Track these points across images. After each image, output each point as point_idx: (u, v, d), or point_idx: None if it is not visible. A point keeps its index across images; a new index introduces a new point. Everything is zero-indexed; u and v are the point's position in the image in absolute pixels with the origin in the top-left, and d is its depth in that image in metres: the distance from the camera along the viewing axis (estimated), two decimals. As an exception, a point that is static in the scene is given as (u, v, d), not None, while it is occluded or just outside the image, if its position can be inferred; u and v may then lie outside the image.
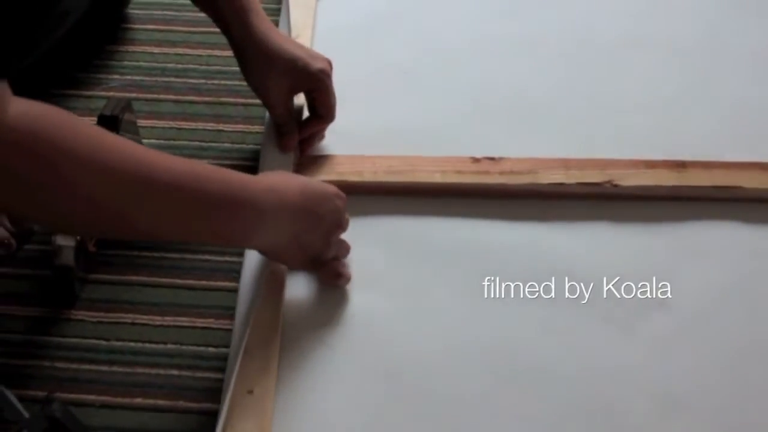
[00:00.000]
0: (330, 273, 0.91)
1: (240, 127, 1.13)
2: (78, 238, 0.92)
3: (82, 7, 0.98)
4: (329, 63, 1.02)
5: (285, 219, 0.84)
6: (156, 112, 1.15)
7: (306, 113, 1.04)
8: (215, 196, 0.78)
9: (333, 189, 0.90)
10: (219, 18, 1.01)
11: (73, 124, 0.70)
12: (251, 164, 1.06)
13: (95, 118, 1.04)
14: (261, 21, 1.00)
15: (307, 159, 1.03)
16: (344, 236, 0.93)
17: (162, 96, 1.18)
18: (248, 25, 0.99)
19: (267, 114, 1.04)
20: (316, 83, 0.99)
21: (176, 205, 0.76)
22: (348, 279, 0.92)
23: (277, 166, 0.99)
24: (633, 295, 0.94)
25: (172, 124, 1.14)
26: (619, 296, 0.93)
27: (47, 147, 0.68)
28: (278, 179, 0.87)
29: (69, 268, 0.92)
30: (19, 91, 0.68)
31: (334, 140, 1.05)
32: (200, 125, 1.14)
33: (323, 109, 1.01)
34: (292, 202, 0.85)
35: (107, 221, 0.74)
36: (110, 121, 0.96)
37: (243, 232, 0.81)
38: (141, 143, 0.99)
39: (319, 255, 0.90)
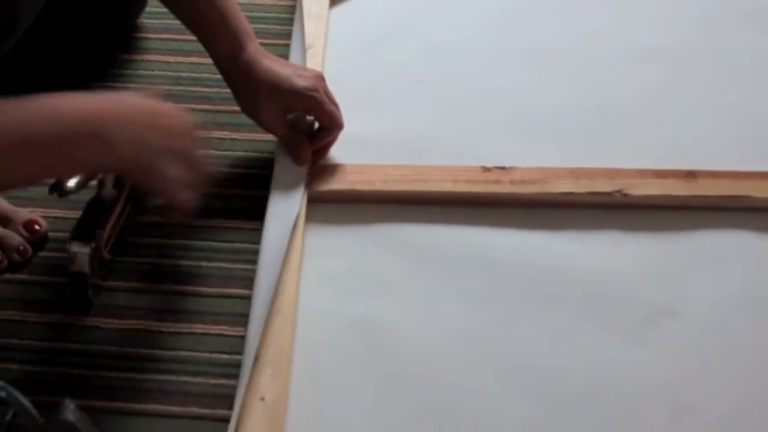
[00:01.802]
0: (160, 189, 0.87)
1: (253, 135, 1.13)
2: (93, 245, 0.93)
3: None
4: (319, 76, 1.02)
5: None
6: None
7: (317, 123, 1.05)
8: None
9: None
10: (207, 45, 1.02)
11: None
12: (265, 173, 1.06)
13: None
14: (245, 45, 1.00)
15: (318, 168, 1.04)
16: (357, 240, 0.92)
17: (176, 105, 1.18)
18: (233, 53, 1.00)
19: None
20: (307, 102, 0.99)
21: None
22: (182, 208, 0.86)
23: (291, 176, 1.00)
24: (642, 303, 0.94)
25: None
26: (628, 305, 0.94)
27: None
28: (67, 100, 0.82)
29: (84, 275, 0.93)
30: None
31: (345, 149, 1.05)
32: (214, 134, 1.14)
33: (325, 122, 1.02)
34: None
35: None
36: None
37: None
38: None
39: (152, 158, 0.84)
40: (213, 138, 1.14)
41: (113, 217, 0.97)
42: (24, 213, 1.01)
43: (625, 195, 1.01)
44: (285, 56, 1.18)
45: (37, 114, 0.78)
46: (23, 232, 1.00)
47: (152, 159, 0.83)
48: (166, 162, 0.84)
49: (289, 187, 1.01)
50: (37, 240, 1.01)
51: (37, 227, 1.01)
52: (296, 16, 1.26)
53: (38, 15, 0.93)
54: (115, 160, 0.82)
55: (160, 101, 0.87)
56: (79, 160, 0.81)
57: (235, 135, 1.14)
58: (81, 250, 0.93)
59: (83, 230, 0.94)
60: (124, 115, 0.83)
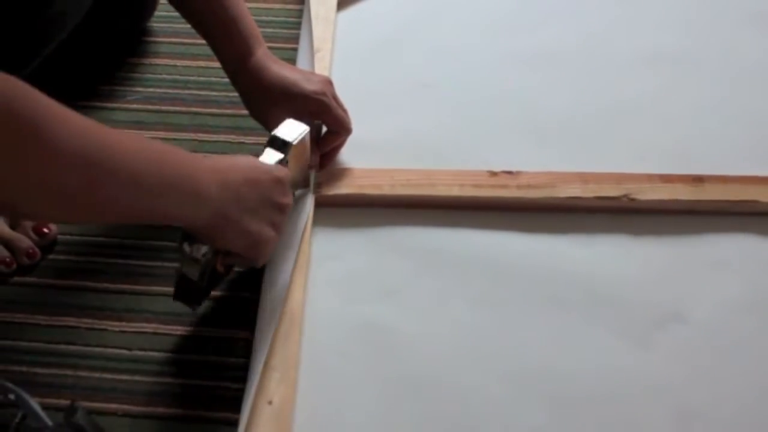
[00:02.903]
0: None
1: (261, 139, 1.13)
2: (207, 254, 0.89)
3: (82, 8, 0.98)
4: (327, 81, 1.03)
5: (224, 199, 0.82)
6: (177, 125, 1.16)
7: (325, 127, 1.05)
8: (169, 178, 0.76)
9: (276, 173, 0.88)
10: (216, 49, 1.03)
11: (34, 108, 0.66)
12: (272, 176, 1.07)
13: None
14: (254, 49, 1.01)
15: (326, 172, 1.04)
16: (365, 244, 0.92)
17: (183, 109, 1.19)
18: (243, 57, 1.00)
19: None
20: (315, 105, 1.00)
21: (128, 188, 0.73)
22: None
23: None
24: (649, 307, 0.94)
25: (193, 136, 1.15)
26: (635, 308, 0.94)
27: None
28: (223, 161, 0.86)
29: (190, 280, 0.90)
30: None
31: (352, 153, 1.06)
32: (221, 137, 1.15)
33: (333, 126, 1.02)
34: (234, 184, 0.83)
35: (63, 206, 0.70)
36: None
37: (181, 211, 0.79)
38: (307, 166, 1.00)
39: (257, 236, 0.87)
40: (220, 142, 1.14)
41: None
42: (33, 216, 1.02)
43: (632, 199, 1.01)
44: (293, 60, 1.18)
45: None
46: (33, 235, 1.01)
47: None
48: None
49: (297, 191, 1.01)
50: (47, 243, 1.01)
51: (46, 231, 1.01)
52: (304, 20, 1.26)
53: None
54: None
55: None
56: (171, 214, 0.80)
57: (242, 139, 1.15)
58: (196, 256, 0.88)
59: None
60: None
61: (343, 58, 1.20)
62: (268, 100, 1.00)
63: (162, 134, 1.14)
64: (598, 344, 0.91)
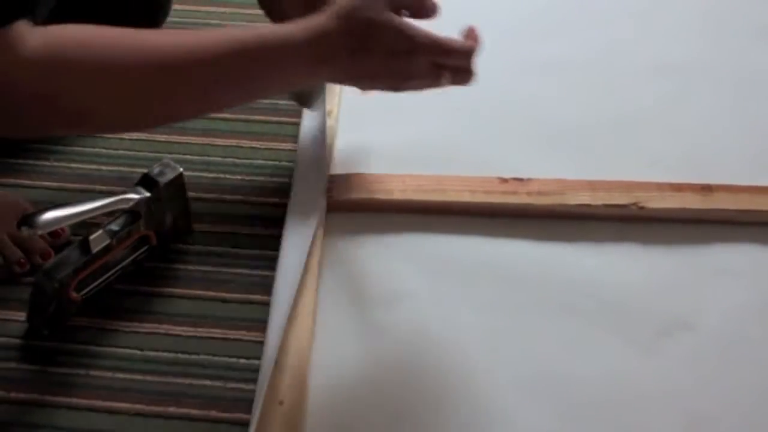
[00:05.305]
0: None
1: (273, 144, 1.15)
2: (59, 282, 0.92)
3: None
4: None
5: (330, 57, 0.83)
6: (190, 129, 1.16)
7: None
8: (261, 63, 0.81)
9: (381, 18, 0.84)
10: None
11: (87, 37, 0.78)
12: (285, 181, 1.09)
13: (129, 135, 1.07)
14: None
15: (338, 177, 1.05)
16: (376, 249, 0.93)
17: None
18: None
19: (300, 134, 1.05)
20: None
21: (219, 79, 0.80)
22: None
23: (310, 184, 1.01)
24: (657, 315, 0.95)
25: (206, 140, 1.16)
26: (643, 316, 0.94)
27: (63, 63, 0.75)
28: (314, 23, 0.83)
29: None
30: None
31: (364, 158, 1.07)
32: (233, 142, 1.16)
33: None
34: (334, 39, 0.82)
35: (152, 112, 0.82)
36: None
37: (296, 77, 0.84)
38: (187, 207, 1.02)
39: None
40: (232, 146, 1.15)
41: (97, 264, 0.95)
42: (48, 217, 1.03)
43: (642, 208, 1.02)
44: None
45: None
46: (46, 236, 1.01)
47: None
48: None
49: (309, 195, 1.02)
50: (60, 245, 1.02)
51: (60, 232, 1.02)
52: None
53: (61, 17, 0.95)
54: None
55: None
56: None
57: (255, 144, 1.15)
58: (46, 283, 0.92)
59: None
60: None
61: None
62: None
63: (174, 137, 1.15)
64: (607, 351, 0.92)
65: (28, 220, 0.88)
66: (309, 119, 1.14)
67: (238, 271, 1.01)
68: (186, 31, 0.81)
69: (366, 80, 0.86)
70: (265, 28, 0.84)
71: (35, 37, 0.75)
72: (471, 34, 0.85)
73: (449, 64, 0.85)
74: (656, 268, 0.99)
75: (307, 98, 0.98)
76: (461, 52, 0.84)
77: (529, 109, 1.17)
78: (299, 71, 0.83)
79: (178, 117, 0.93)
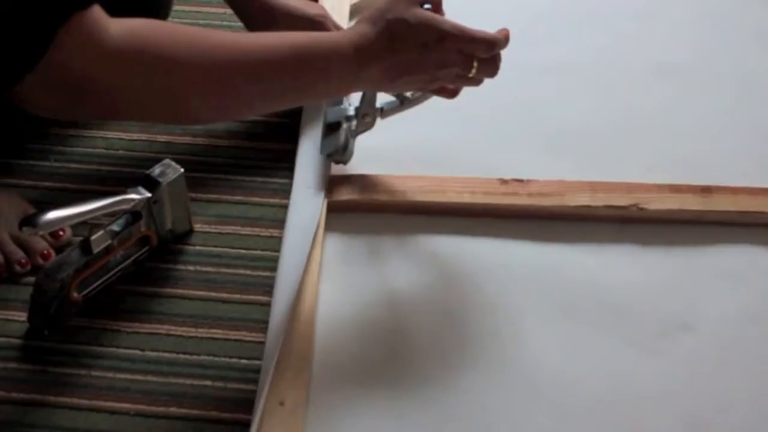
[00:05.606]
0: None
1: (273, 145, 1.15)
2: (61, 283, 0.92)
3: None
4: (322, 8, 1.15)
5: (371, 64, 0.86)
6: (190, 129, 1.17)
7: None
8: (315, 65, 0.85)
9: (417, 19, 0.86)
10: None
11: (173, 33, 0.82)
12: (285, 180, 1.09)
13: (129, 136, 1.07)
14: None
15: (339, 178, 1.05)
16: (376, 249, 0.93)
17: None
18: None
19: (300, 135, 1.05)
20: (317, 27, 1.09)
21: (282, 79, 0.85)
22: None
23: (311, 185, 1.01)
24: (657, 316, 0.95)
25: (207, 141, 1.16)
26: (643, 317, 0.95)
27: (156, 58, 0.79)
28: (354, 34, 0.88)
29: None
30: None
31: (365, 160, 1.07)
32: (234, 143, 1.16)
33: None
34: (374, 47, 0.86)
35: (229, 108, 0.86)
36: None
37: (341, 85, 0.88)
38: (188, 207, 1.03)
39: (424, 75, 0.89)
40: (232, 147, 1.15)
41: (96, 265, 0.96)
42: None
43: (642, 209, 1.02)
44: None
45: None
46: (47, 237, 1.01)
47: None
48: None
49: (309, 196, 1.02)
50: (61, 245, 1.02)
51: (61, 233, 1.02)
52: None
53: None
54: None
55: None
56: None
57: (254, 144, 1.16)
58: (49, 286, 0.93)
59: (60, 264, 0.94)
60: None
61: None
62: (274, 26, 1.05)
63: (176, 138, 1.15)
64: (606, 352, 0.92)
65: (29, 220, 0.88)
66: (309, 119, 1.14)
67: (239, 271, 1.01)
68: (251, 33, 0.86)
69: (403, 80, 0.88)
70: (317, 36, 0.90)
71: (115, 27, 0.78)
72: (501, 31, 0.89)
73: (476, 54, 0.88)
74: (656, 269, 0.99)
75: (342, 153, 1.01)
76: (486, 40, 0.88)
77: (529, 110, 1.17)
78: (345, 77, 0.86)
79: (248, 113, 1.02)
